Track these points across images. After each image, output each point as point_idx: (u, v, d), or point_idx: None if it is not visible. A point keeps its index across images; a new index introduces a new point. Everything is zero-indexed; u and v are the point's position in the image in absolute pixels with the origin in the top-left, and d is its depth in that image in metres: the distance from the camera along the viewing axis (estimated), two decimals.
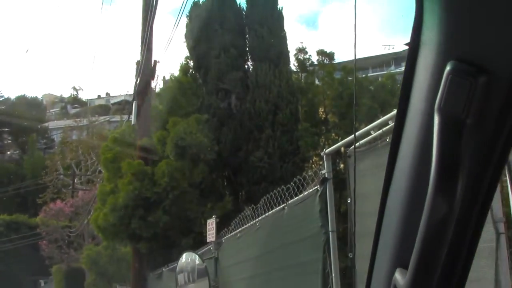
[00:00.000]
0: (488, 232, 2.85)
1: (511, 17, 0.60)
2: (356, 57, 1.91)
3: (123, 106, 49.70)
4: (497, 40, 0.62)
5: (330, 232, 4.68)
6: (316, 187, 5.04)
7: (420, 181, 0.68)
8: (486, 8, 0.61)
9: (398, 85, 14.63)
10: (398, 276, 0.75)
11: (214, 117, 15.01)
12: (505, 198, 2.91)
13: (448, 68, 0.64)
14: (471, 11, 0.62)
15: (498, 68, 0.63)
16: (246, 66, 16.11)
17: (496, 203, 2.86)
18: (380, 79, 17.61)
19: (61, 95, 75.60)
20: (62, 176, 39.05)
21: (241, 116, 15.04)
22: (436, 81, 0.65)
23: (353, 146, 4.64)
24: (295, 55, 17.31)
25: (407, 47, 0.70)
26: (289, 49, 16.42)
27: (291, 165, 14.33)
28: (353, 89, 14.01)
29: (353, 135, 4.61)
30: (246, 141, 14.85)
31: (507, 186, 2.83)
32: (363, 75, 17.17)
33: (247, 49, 16.19)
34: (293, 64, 17.01)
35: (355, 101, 8.88)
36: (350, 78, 15.21)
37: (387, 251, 0.79)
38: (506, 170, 2.84)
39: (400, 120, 0.74)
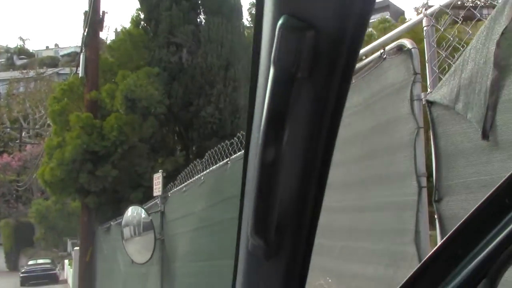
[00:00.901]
0: (411, 186, 2.99)
1: None
2: None
3: (72, 58, 48.15)
4: None
5: None
6: None
7: None
8: None
9: None
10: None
11: (165, 71, 14.76)
12: (430, 154, 3.03)
13: (280, 22, 0.66)
14: None
15: (324, 24, 0.65)
16: (198, 20, 15.80)
17: (420, 158, 2.99)
18: None
19: (7, 45, 72.35)
20: (8, 129, 37.94)
21: (192, 70, 14.85)
22: (273, 35, 0.67)
23: None
24: (248, 9, 17.13)
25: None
26: (242, 4, 16.22)
27: (242, 121, 14.36)
28: None
29: None
30: (197, 96, 14.74)
31: (430, 142, 2.95)
32: None
33: (199, 1, 15.84)
34: (246, 19, 16.85)
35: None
36: None
37: (247, 206, 0.83)
38: (431, 126, 2.96)
39: (254, 74, 0.76)
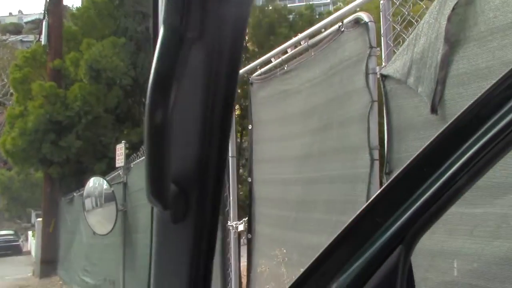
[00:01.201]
0: (364, 159, 3.03)
1: None
2: None
3: (36, 25, 46.77)
4: None
5: (230, 158, 4.78)
6: None
7: None
8: None
9: (317, 16, 14.77)
10: None
11: (131, 40, 14.50)
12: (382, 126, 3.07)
13: None
14: None
15: None
16: None
17: (373, 131, 3.03)
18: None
19: None
20: None
21: None
22: None
23: (255, 74, 4.68)
24: None
25: None
26: None
27: None
28: (272, 18, 13.93)
29: (254, 63, 4.63)
30: None
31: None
32: (283, 5, 17.10)
33: None
34: None
35: None
36: (271, 7, 15.10)
37: None
38: (384, 100, 2.99)
39: (154, 37, 0.75)
